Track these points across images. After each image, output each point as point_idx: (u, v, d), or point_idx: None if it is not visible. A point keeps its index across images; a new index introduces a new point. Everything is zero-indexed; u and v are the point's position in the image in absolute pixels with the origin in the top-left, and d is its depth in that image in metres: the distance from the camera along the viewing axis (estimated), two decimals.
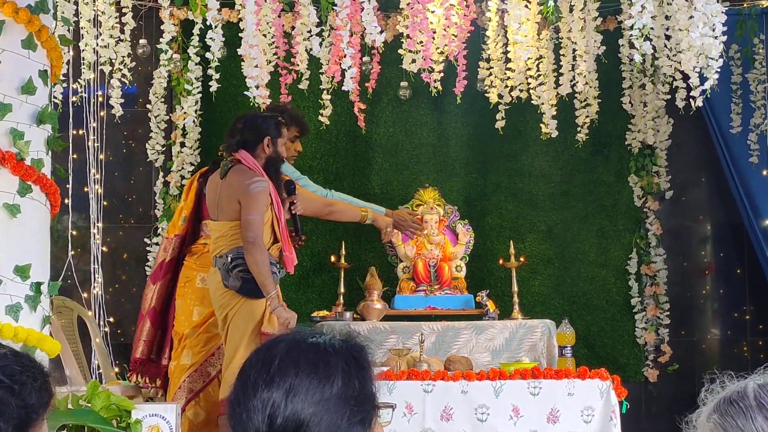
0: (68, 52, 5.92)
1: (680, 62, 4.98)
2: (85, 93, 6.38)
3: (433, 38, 5.44)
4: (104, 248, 6.60)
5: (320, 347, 1.63)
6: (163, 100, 6.80)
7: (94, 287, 6.39)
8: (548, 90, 6.43)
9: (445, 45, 5.60)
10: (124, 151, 6.89)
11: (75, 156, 6.34)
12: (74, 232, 6.52)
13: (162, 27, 6.64)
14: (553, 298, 6.95)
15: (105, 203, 6.63)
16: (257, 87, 4.93)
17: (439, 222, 6.42)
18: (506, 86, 6.59)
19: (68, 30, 5.46)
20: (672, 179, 7.04)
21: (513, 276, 6.27)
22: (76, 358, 5.41)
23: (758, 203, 6.59)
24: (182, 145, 6.78)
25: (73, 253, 6.34)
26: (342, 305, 6.19)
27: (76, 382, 5.06)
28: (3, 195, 3.71)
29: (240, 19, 5.97)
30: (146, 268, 6.72)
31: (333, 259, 6.42)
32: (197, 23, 6.31)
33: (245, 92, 5.06)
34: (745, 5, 6.63)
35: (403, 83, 6.83)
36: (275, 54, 5.82)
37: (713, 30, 4.64)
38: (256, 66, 4.92)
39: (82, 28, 6.13)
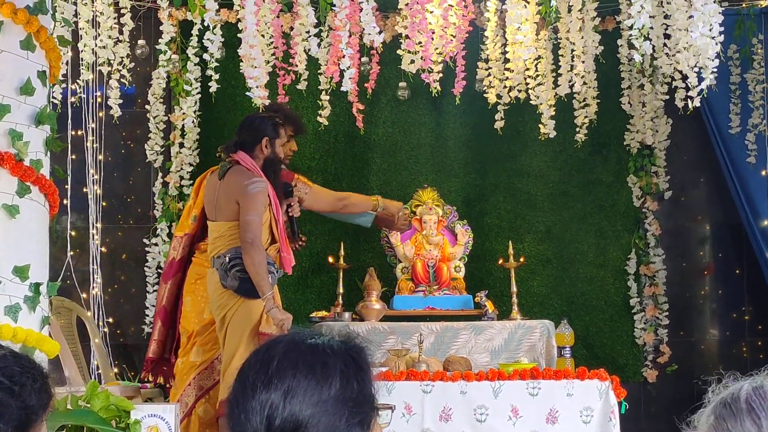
0: (67, 52, 5.92)
1: (678, 62, 4.98)
2: (83, 94, 6.38)
3: (432, 39, 5.44)
4: (103, 249, 6.59)
5: (319, 348, 1.63)
6: (161, 100, 6.80)
7: (93, 288, 6.38)
8: (547, 90, 6.42)
9: (444, 45, 5.60)
10: (123, 152, 6.89)
11: (74, 156, 6.33)
12: (73, 233, 6.52)
13: (161, 28, 6.64)
14: (551, 299, 6.94)
15: (104, 204, 6.62)
16: (257, 87, 4.93)
17: (438, 222, 6.41)
18: (505, 86, 6.59)
19: (67, 31, 5.47)
20: (671, 179, 7.03)
21: (512, 276, 6.27)
22: (75, 358, 5.42)
23: (757, 203, 6.59)
24: (181, 145, 6.77)
25: (72, 253, 6.34)
26: (341, 306, 6.19)
27: (75, 382, 5.07)
28: (2, 196, 3.70)
29: (238, 20, 5.98)
30: (145, 268, 6.72)
31: (332, 259, 6.41)
32: (196, 24, 6.31)
33: (246, 92, 5.06)
34: (743, 5, 6.63)
35: (402, 84, 6.82)
36: (273, 54, 5.83)
37: (710, 30, 4.63)
38: (256, 67, 4.92)
39: (80, 28, 6.13)
